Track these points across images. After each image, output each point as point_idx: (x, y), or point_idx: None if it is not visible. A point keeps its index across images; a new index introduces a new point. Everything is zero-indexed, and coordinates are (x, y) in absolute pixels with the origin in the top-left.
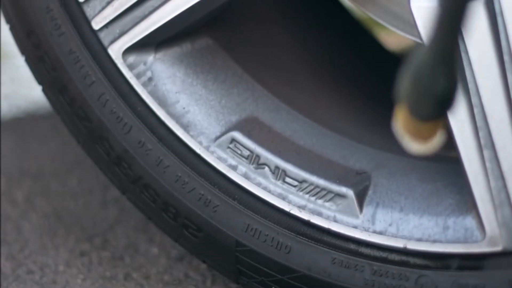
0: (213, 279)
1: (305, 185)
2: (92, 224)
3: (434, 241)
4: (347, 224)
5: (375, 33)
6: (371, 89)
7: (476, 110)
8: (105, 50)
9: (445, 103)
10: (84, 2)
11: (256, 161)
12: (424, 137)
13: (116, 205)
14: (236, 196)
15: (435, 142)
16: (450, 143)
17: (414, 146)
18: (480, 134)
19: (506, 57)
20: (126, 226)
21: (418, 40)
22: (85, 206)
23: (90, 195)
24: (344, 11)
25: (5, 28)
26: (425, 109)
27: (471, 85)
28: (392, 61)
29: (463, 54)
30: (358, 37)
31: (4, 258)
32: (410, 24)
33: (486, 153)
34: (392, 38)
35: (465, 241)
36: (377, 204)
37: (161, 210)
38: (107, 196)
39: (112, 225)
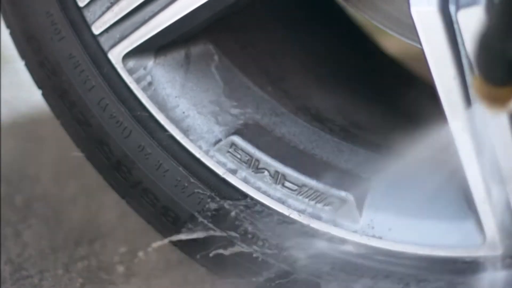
0: (212, 283)
1: (304, 189)
2: (91, 228)
3: (434, 246)
4: (347, 228)
5: (375, 38)
6: (373, 92)
7: (476, 115)
8: (105, 54)
9: None
10: (84, 7)
11: (255, 166)
12: (501, 100)
13: (115, 209)
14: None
15: (510, 104)
16: None
17: (492, 109)
18: (480, 138)
19: None
20: (125, 230)
21: (418, 45)
22: (84, 211)
23: (90, 199)
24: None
25: (5, 32)
26: (499, 74)
27: (471, 90)
28: (396, 66)
29: (464, 60)
30: (361, 41)
31: (4, 262)
32: (410, 29)
33: (486, 158)
34: (392, 43)
35: (465, 245)
36: (377, 209)
37: (160, 214)
38: (106, 201)
39: (111, 229)
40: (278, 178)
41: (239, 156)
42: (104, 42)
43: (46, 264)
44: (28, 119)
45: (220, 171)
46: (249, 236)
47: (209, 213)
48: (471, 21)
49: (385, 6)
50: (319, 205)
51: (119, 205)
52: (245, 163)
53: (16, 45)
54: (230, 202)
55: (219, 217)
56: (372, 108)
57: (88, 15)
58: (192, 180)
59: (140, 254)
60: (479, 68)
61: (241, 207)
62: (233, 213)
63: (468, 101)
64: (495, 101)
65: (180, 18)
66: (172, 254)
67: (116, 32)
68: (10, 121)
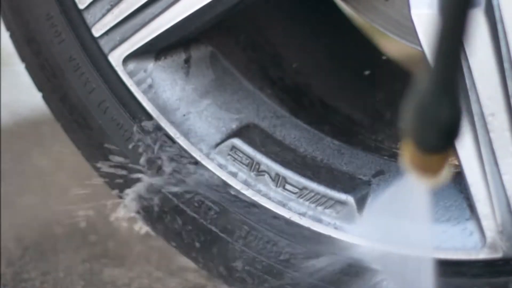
0: (213, 285)
1: (305, 192)
2: (93, 231)
3: (435, 248)
4: (347, 231)
5: (376, 41)
6: (374, 94)
7: (476, 118)
8: (105, 57)
9: (451, 133)
10: (84, 9)
11: (256, 168)
12: (432, 170)
13: (116, 211)
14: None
15: (444, 175)
16: None
17: (423, 180)
18: (480, 141)
19: (506, 65)
20: (127, 233)
21: (419, 48)
22: (86, 213)
23: (91, 202)
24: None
25: (5, 35)
26: (431, 141)
27: (471, 93)
28: (398, 70)
29: (463, 62)
30: (361, 43)
31: (5, 265)
32: (410, 32)
33: (487, 161)
34: (393, 46)
35: (465, 248)
36: (378, 211)
37: (160, 218)
38: (108, 203)
39: (113, 232)
40: (279, 181)
41: (239, 159)
42: (104, 44)
43: (48, 267)
44: (28, 122)
45: (221, 173)
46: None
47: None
48: (471, 24)
49: (385, 9)
50: (320, 208)
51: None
52: (246, 165)
53: (16, 47)
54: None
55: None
56: (375, 109)
57: (88, 17)
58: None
59: (142, 257)
60: (410, 135)
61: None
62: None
63: (468, 103)
64: (427, 170)
65: (180, 21)
66: (175, 257)
67: (117, 35)
68: (10, 123)
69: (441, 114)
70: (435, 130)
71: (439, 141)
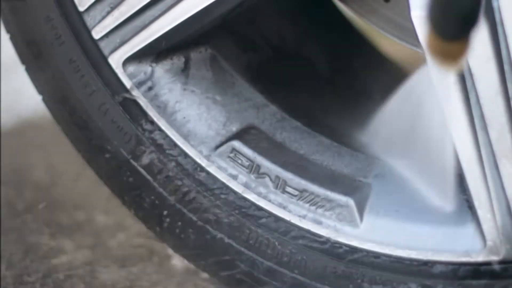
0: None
1: (305, 194)
2: (94, 232)
3: (435, 250)
4: (348, 233)
5: (376, 43)
6: (375, 96)
7: (476, 120)
8: (105, 59)
9: (469, 20)
10: (84, 11)
11: (256, 171)
12: (453, 56)
13: (118, 214)
14: (237, 206)
15: (463, 60)
16: None
17: (444, 66)
18: (481, 144)
19: (506, 67)
20: (128, 234)
21: (419, 50)
22: (87, 215)
23: (92, 203)
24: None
25: (5, 37)
26: (450, 27)
27: (471, 95)
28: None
29: (464, 64)
30: (362, 46)
31: (5, 267)
32: (411, 34)
33: (487, 163)
34: (394, 48)
35: (465, 250)
36: (378, 213)
37: (160, 221)
38: (109, 204)
39: (114, 233)
40: (279, 183)
41: (240, 161)
42: (104, 46)
43: (49, 269)
44: (28, 125)
45: (221, 176)
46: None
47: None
48: None
49: (386, 11)
50: (320, 210)
51: (122, 209)
52: (246, 168)
53: (16, 50)
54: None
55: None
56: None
57: (88, 19)
58: (192, 185)
59: (144, 258)
60: (431, 22)
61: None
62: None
63: (468, 105)
64: (447, 57)
65: (180, 23)
66: (176, 257)
67: (116, 37)
68: (10, 126)
69: (462, 1)
70: (454, 17)
71: (458, 28)
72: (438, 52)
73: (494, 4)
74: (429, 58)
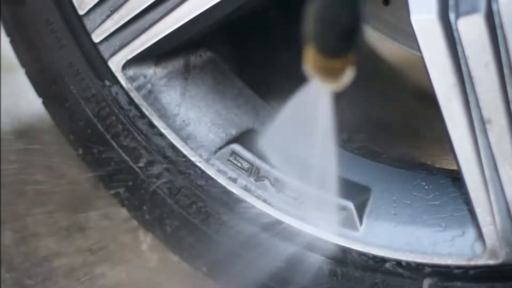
0: None
1: (305, 197)
2: (94, 235)
3: (435, 254)
4: (347, 237)
5: (376, 46)
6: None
7: (476, 124)
8: (105, 63)
9: (350, 35)
10: (84, 15)
11: (256, 174)
12: (334, 74)
13: (117, 216)
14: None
15: (345, 79)
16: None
17: (326, 83)
18: (480, 147)
19: (506, 70)
20: (129, 237)
21: (418, 53)
22: (87, 218)
23: (92, 207)
24: None
25: (6, 40)
26: (331, 43)
27: (471, 98)
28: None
29: (463, 67)
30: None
31: (5, 270)
32: (410, 37)
33: (486, 167)
34: (393, 51)
35: (465, 253)
36: (377, 217)
37: (161, 225)
38: (108, 208)
39: (115, 237)
40: (278, 186)
41: (239, 164)
42: (104, 50)
43: (49, 272)
44: (28, 128)
45: (220, 179)
46: None
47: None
48: (471, 29)
49: (385, 14)
50: (319, 213)
51: (120, 211)
52: (246, 171)
53: (16, 53)
54: None
55: None
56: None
57: (88, 23)
58: (192, 188)
59: (143, 260)
60: (312, 39)
61: None
62: None
63: (468, 109)
64: (329, 74)
65: (180, 26)
66: (175, 258)
67: (116, 40)
68: (10, 129)
69: (341, 17)
70: (335, 32)
71: (339, 44)
72: (320, 69)
73: (494, 8)
74: (310, 74)
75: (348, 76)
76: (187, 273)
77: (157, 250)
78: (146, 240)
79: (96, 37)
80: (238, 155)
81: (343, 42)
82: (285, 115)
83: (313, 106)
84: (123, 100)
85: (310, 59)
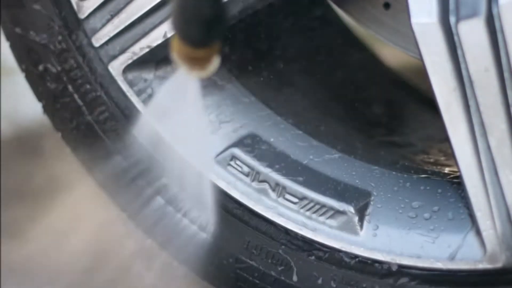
0: None
1: (305, 202)
2: (95, 240)
3: (436, 258)
4: (348, 241)
5: (376, 51)
6: (373, 106)
7: (476, 128)
8: (105, 67)
9: (212, 27)
10: (84, 19)
11: (256, 178)
12: (199, 63)
13: (119, 222)
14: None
15: (211, 67)
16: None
17: (191, 73)
18: (481, 151)
19: (506, 74)
20: (129, 242)
21: (419, 58)
22: (87, 223)
23: (92, 212)
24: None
25: (5, 45)
26: (194, 34)
27: (471, 102)
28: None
29: (464, 71)
30: (363, 58)
31: (6, 273)
32: (410, 41)
33: (487, 171)
34: (394, 56)
35: (465, 258)
36: (378, 221)
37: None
38: (109, 213)
39: (115, 241)
40: (279, 190)
41: (240, 168)
42: (104, 54)
43: (49, 275)
44: (28, 132)
45: (221, 183)
46: None
47: None
48: (472, 33)
49: (386, 18)
50: (320, 218)
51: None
52: (246, 175)
53: (16, 57)
54: None
55: None
56: (376, 119)
57: (88, 27)
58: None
59: (144, 268)
60: (176, 29)
61: None
62: None
63: (468, 113)
64: (195, 64)
65: None
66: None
67: (116, 45)
68: (10, 134)
69: (203, 8)
70: (198, 24)
71: (202, 35)
72: (185, 59)
73: (494, 12)
74: (177, 64)
75: (214, 64)
76: None
77: None
78: None
79: (96, 41)
80: (238, 159)
81: (206, 32)
82: (156, 102)
83: (182, 93)
84: (122, 105)
85: (176, 49)
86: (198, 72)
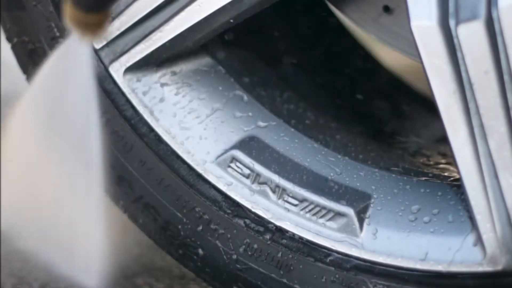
0: None
1: (305, 204)
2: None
3: (435, 261)
4: (348, 243)
5: (375, 53)
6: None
7: (476, 130)
8: (106, 69)
9: None
10: None
11: (256, 180)
12: (92, 28)
13: (118, 222)
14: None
15: (101, 32)
16: None
17: (84, 38)
18: (481, 154)
19: (506, 77)
20: (127, 241)
21: (418, 60)
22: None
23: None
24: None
25: (7, 47)
26: (86, 0)
27: (471, 105)
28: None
29: (463, 74)
30: (363, 58)
31: (5, 275)
32: (410, 44)
33: (487, 173)
34: (394, 59)
35: (465, 260)
36: (378, 223)
37: (162, 229)
38: (109, 213)
39: (113, 239)
40: (279, 192)
41: (240, 170)
42: (105, 56)
43: (49, 277)
44: None
45: (221, 185)
46: None
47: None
48: (471, 36)
49: (386, 21)
50: (320, 220)
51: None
52: (246, 177)
53: (18, 59)
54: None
55: None
56: (375, 121)
57: None
58: (193, 194)
59: (144, 268)
60: None
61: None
62: None
63: (468, 115)
64: (87, 29)
65: (180, 33)
66: (175, 268)
67: (117, 47)
68: None
69: None
70: None
71: (93, 1)
72: (78, 24)
73: (494, 14)
74: (69, 29)
75: (103, 30)
76: None
77: None
78: None
79: (97, 43)
80: (239, 161)
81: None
82: (47, 68)
83: (73, 59)
84: (120, 105)
85: (68, 14)
86: (89, 38)
